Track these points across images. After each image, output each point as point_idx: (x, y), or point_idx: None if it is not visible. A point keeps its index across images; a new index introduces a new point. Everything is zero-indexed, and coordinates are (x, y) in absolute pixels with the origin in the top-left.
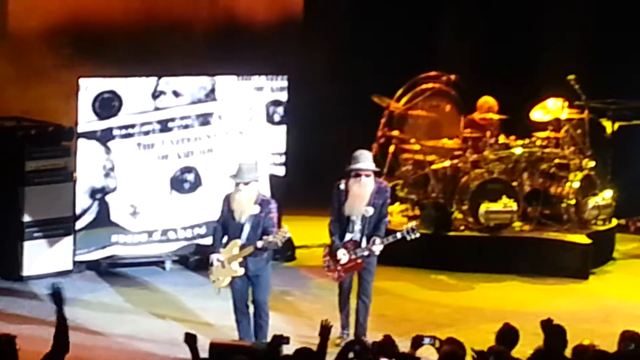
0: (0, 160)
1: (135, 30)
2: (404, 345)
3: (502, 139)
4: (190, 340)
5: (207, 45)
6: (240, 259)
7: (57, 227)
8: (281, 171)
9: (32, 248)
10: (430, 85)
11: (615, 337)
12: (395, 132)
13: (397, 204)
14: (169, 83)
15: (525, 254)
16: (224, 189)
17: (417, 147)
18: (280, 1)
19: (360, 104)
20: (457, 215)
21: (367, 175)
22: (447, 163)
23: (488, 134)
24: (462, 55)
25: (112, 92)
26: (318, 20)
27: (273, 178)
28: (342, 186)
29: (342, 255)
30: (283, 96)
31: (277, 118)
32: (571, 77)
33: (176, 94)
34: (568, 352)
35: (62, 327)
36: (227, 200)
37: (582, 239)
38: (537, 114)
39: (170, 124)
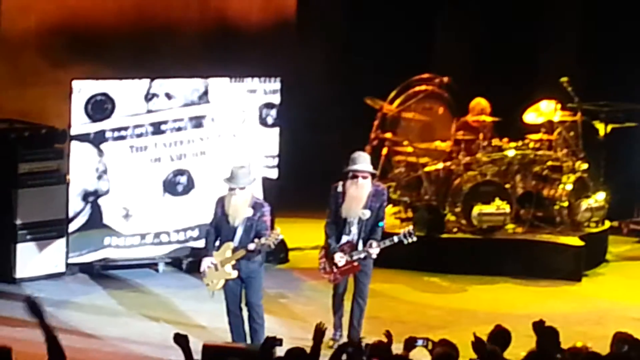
0: None
1: (129, 32)
2: (397, 347)
3: (495, 141)
4: (181, 340)
5: (200, 48)
6: (233, 262)
7: (50, 229)
8: (274, 174)
9: (25, 250)
10: (423, 87)
11: (608, 340)
12: (388, 135)
13: (389, 206)
14: (162, 85)
15: (518, 256)
16: (216, 191)
17: (410, 149)
18: (274, 3)
19: (354, 106)
20: (450, 217)
21: (365, 177)
22: (440, 165)
23: (481, 136)
24: (455, 57)
25: (105, 94)
26: (312, 22)
27: (266, 181)
28: (340, 188)
29: (339, 258)
30: (276, 99)
31: (270, 120)
32: (564, 79)
33: (169, 96)
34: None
35: (50, 338)
36: (221, 203)
37: (574, 241)
38: (530, 116)
39: (163, 127)
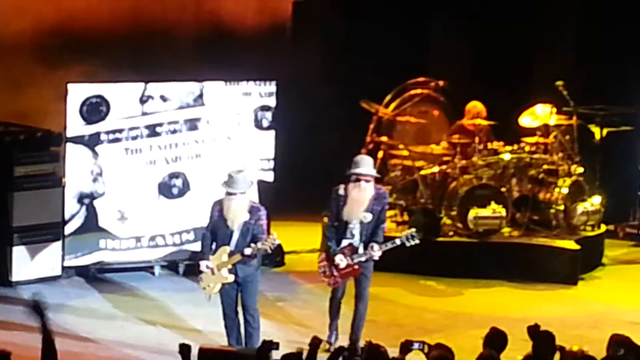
0: None
1: (124, 35)
2: (393, 351)
3: (490, 144)
4: (185, 350)
5: (195, 50)
6: (230, 266)
7: (46, 232)
8: (269, 177)
9: (21, 253)
10: (419, 91)
11: (604, 343)
12: (384, 138)
13: None
14: (157, 88)
15: (514, 260)
16: (212, 194)
17: (405, 152)
18: (269, 5)
19: (350, 109)
20: (446, 220)
21: (367, 181)
22: (436, 169)
23: (477, 139)
24: (452, 60)
25: (100, 97)
26: (307, 24)
27: (261, 184)
28: (341, 191)
29: (340, 261)
30: (271, 101)
31: (265, 123)
32: (559, 83)
33: (164, 98)
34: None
35: (48, 339)
36: (218, 207)
37: (570, 244)
38: (526, 119)
39: (158, 129)
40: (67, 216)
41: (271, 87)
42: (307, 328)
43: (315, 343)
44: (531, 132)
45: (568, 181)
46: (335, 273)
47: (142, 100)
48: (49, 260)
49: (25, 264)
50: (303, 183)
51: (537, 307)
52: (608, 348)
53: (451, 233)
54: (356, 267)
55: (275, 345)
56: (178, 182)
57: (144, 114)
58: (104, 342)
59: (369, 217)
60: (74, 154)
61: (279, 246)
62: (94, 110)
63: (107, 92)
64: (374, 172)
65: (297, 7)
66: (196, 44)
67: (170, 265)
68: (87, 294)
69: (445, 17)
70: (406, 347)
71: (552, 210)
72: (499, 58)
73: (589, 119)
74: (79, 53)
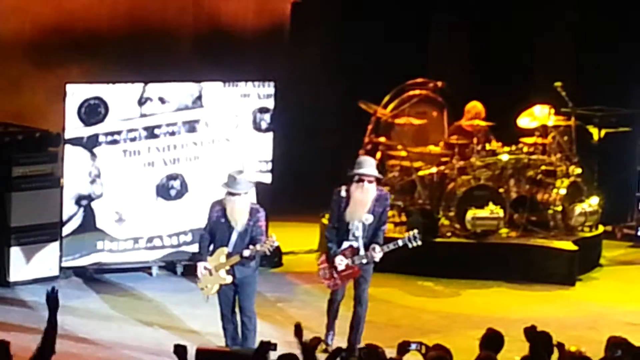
0: None
1: (122, 36)
2: (390, 352)
3: (488, 145)
4: (181, 350)
5: (194, 52)
6: (228, 267)
7: (44, 233)
8: (267, 179)
9: (19, 254)
10: (417, 92)
11: (602, 344)
12: (382, 139)
13: None
14: (156, 89)
15: (512, 261)
16: (210, 196)
17: (403, 153)
18: (268, 6)
19: (348, 110)
20: (444, 221)
21: (370, 182)
22: (434, 169)
23: (475, 140)
24: (450, 61)
25: (99, 98)
26: (306, 25)
27: (259, 185)
28: (343, 193)
29: (340, 262)
30: (270, 103)
31: (263, 125)
32: (558, 84)
33: (162, 100)
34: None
35: (51, 331)
36: (218, 208)
37: (568, 245)
38: (524, 120)
39: (156, 131)
40: (64, 217)
41: (270, 88)
42: (305, 329)
43: (315, 342)
44: (529, 133)
45: (566, 182)
46: (335, 275)
47: (141, 102)
48: (46, 260)
49: (23, 265)
50: (301, 184)
51: (534, 307)
52: (605, 349)
53: (449, 234)
54: (356, 268)
55: (273, 346)
56: (176, 183)
57: (143, 115)
58: (101, 343)
59: (370, 218)
60: (72, 156)
61: (277, 247)
62: (92, 112)
63: (105, 94)
64: (376, 173)
65: (295, 8)
66: (195, 45)
67: (168, 266)
68: (84, 294)
69: (444, 18)
70: (404, 347)
71: (550, 211)
72: (498, 59)
73: (587, 120)
74: (77, 53)
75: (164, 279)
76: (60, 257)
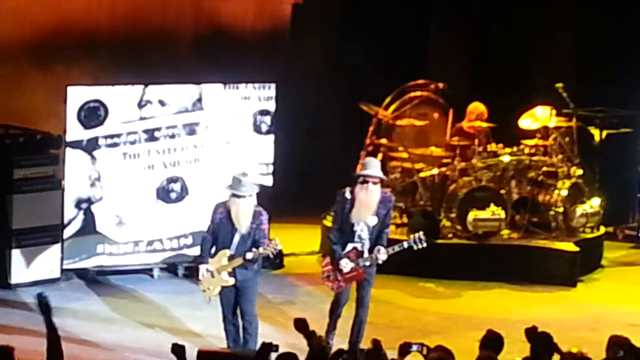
0: None
1: (122, 38)
2: (392, 353)
3: (490, 147)
4: (179, 350)
5: (193, 54)
6: (230, 269)
7: (45, 235)
8: (269, 181)
9: (20, 256)
10: (418, 93)
11: (603, 345)
12: (384, 140)
13: None
14: (156, 92)
15: (513, 262)
16: (210, 199)
17: (405, 155)
18: (268, 8)
19: (349, 111)
20: (445, 223)
21: (375, 183)
22: (435, 171)
23: (476, 142)
24: (450, 62)
25: (98, 101)
26: (306, 27)
27: (260, 188)
28: (347, 194)
29: (344, 264)
30: (270, 106)
31: (264, 128)
32: (559, 85)
33: (162, 103)
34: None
35: (53, 337)
36: (222, 209)
37: (570, 246)
38: (526, 121)
39: (156, 134)
40: (65, 220)
41: (270, 91)
42: None
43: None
44: (531, 134)
45: (567, 183)
46: (340, 277)
47: (141, 105)
48: (48, 262)
49: (25, 267)
50: (301, 185)
51: (536, 309)
52: (607, 350)
53: (450, 235)
54: (360, 270)
55: (275, 348)
56: (176, 186)
57: (142, 118)
58: (103, 345)
59: (374, 220)
60: (72, 159)
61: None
62: (92, 115)
63: (105, 97)
64: (381, 174)
65: (296, 10)
66: (195, 46)
67: (170, 268)
68: (86, 296)
69: (444, 18)
70: (405, 349)
71: (552, 212)
72: (498, 59)
73: (588, 121)
74: (77, 55)
75: (165, 281)
76: (62, 259)
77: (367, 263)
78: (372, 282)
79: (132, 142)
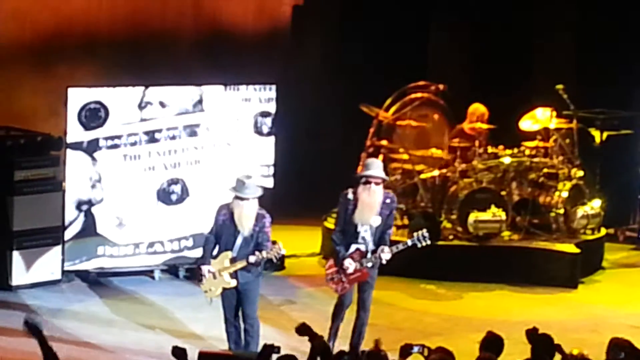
0: None
1: (123, 39)
2: (393, 355)
3: (490, 148)
4: (179, 353)
5: (194, 55)
6: (232, 271)
7: (46, 236)
8: (269, 183)
9: (21, 258)
10: (419, 94)
11: (604, 347)
12: (384, 142)
13: None
14: (156, 93)
15: (514, 264)
16: (211, 200)
17: (405, 156)
18: (268, 9)
19: (350, 113)
20: (446, 224)
21: (377, 184)
22: (436, 172)
23: (477, 143)
24: (451, 63)
25: (99, 102)
26: (307, 28)
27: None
28: (350, 195)
29: (348, 265)
30: (271, 107)
31: (265, 129)
32: (560, 86)
33: (163, 104)
34: None
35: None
36: (225, 211)
37: (571, 248)
38: (526, 123)
39: (157, 135)
40: (66, 222)
41: (271, 92)
42: None
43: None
44: (531, 135)
45: (568, 185)
46: (344, 279)
47: (141, 106)
48: (49, 264)
49: (26, 269)
50: (302, 186)
51: (537, 310)
52: (608, 352)
53: (451, 237)
54: (365, 271)
55: (277, 349)
56: (177, 188)
57: (143, 120)
58: (103, 347)
59: (378, 220)
60: (73, 160)
61: None
62: (93, 116)
63: (105, 98)
64: (384, 175)
65: (296, 10)
66: (195, 48)
67: (170, 270)
68: (87, 298)
69: (444, 18)
70: (406, 350)
71: (552, 214)
72: (498, 59)
73: (589, 122)
74: (77, 57)
75: (166, 283)
76: (63, 260)
77: (369, 264)
78: (374, 284)
79: (133, 144)
